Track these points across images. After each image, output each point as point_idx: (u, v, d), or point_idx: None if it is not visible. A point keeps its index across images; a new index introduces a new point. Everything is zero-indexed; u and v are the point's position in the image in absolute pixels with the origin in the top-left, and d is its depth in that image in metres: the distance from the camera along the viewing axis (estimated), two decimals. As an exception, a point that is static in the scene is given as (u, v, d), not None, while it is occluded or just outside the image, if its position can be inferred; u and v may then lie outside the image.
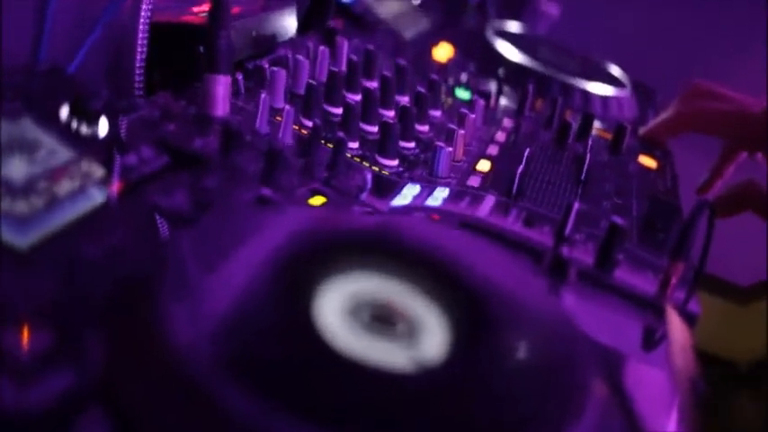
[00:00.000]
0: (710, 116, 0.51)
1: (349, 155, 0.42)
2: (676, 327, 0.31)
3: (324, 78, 0.50)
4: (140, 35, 0.38)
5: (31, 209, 0.26)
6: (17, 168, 0.28)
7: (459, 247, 0.31)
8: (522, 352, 0.25)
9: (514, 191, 0.41)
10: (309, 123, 0.43)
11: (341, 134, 0.39)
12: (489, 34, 0.73)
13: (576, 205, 0.36)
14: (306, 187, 0.36)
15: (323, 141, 0.41)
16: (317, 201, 0.36)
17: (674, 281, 0.32)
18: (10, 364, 0.20)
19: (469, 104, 0.55)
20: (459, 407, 0.21)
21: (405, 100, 0.52)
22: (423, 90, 0.51)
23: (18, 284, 0.24)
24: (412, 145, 0.47)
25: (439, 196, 0.40)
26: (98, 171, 0.30)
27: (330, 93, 0.48)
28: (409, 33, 0.73)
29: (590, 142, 0.52)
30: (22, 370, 0.20)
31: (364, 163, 0.42)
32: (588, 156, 0.47)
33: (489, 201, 0.40)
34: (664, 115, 0.56)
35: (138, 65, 0.38)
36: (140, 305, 0.23)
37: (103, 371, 0.21)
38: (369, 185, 0.39)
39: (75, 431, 0.19)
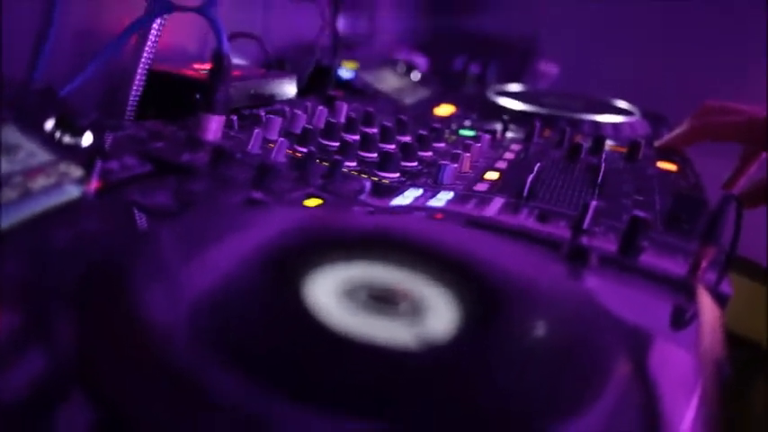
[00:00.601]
0: (722, 127, 0.55)
1: (346, 170, 0.40)
2: (708, 307, 0.30)
3: (321, 126, 0.50)
4: (138, 77, 0.39)
5: (4, 199, 0.26)
6: (-5, 166, 0.27)
7: (464, 239, 0.30)
8: (537, 332, 0.24)
9: (525, 193, 0.38)
10: (304, 150, 0.42)
11: (338, 157, 0.38)
12: (490, 94, 0.74)
13: (594, 203, 0.34)
14: (300, 191, 0.34)
15: (318, 161, 0.40)
16: (313, 202, 0.34)
17: (704, 264, 0.32)
18: None
19: (475, 138, 0.53)
20: (470, 387, 0.19)
21: (407, 139, 0.51)
22: (425, 132, 0.51)
23: None
24: (414, 164, 0.45)
25: (443, 198, 0.37)
26: (76, 172, 0.30)
27: (327, 133, 0.47)
28: (409, 100, 0.75)
29: (604, 156, 0.50)
30: None
31: (363, 175, 0.41)
32: (603, 165, 0.45)
33: (498, 202, 0.38)
34: (678, 130, 0.58)
35: (132, 98, 0.38)
36: (117, 289, 0.22)
37: (80, 354, 0.20)
38: (368, 189, 0.37)
39: (54, 416, 0.18)
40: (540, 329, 0.24)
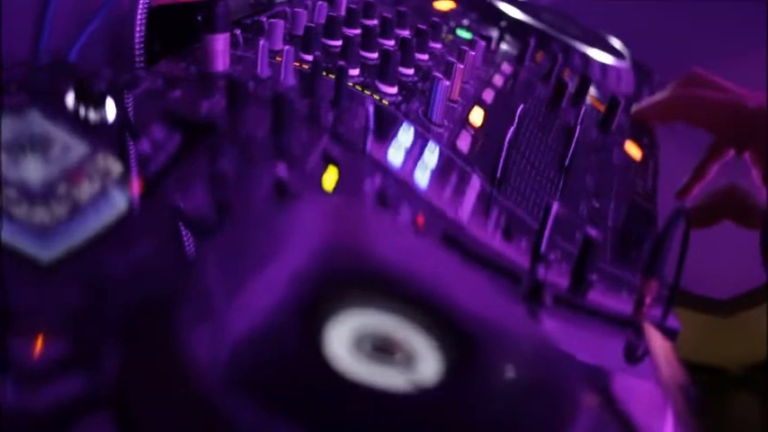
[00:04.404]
0: (704, 103, 0.51)
1: (350, 84, 0.43)
2: (657, 341, 0.31)
3: (322, 21, 0.49)
4: (139, 16, 0.36)
5: (52, 217, 0.26)
6: (32, 170, 0.27)
7: (444, 276, 0.32)
8: (509, 374, 0.26)
9: (498, 175, 0.41)
10: (309, 58, 0.43)
11: (341, 63, 0.39)
12: None
13: (555, 207, 0.35)
14: (316, 150, 0.36)
15: (324, 73, 0.41)
16: (331, 177, 0.36)
17: (648, 300, 0.32)
18: (24, 370, 0.21)
19: (470, 44, 0.54)
20: (452, 425, 0.23)
21: (405, 33, 0.52)
22: (423, 27, 0.52)
23: (38, 297, 0.24)
24: (411, 72, 0.47)
25: (429, 161, 0.41)
26: (116, 166, 0.30)
27: (329, 30, 0.47)
28: None
29: (582, 111, 0.52)
30: (36, 375, 0.21)
31: (365, 92, 0.43)
32: (578, 129, 0.47)
33: (473, 191, 0.41)
34: (658, 96, 0.55)
35: (137, 40, 0.36)
36: (159, 320, 0.24)
37: (118, 384, 0.22)
38: (371, 123, 0.39)
39: None
40: (508, 371, 0.26)
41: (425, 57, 0.49)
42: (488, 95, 0.50)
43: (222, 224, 0.31)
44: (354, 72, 0.44)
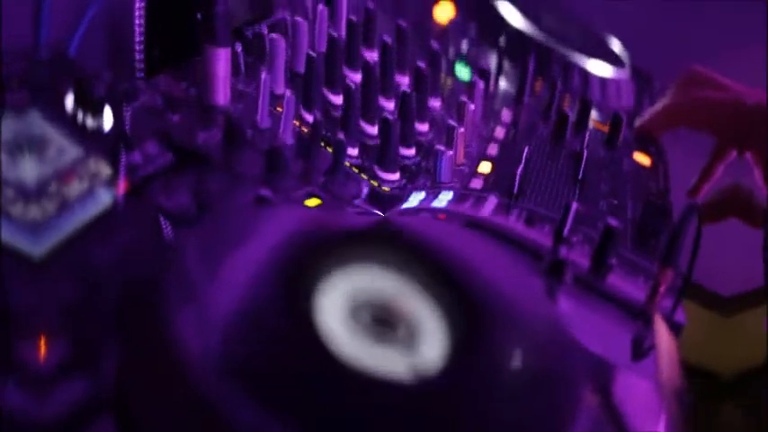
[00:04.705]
0: (703, 104, 0.52)
1: (348, 164, 0.43)
2: (664, 338, 0.32)
3: (323, 48, 0.50)
4: (137, 5, 0.37)
5: (44, 214, 0.27)
6: (28, 169, 0.28)
7: (460, 245, 0.33)
8: (517, 360, 0.27)
9: (515, 190, 0.43)
10: (310, 118, 0.44)
11: (341, 135, 0.40)
12: None
13: (575, 206, 0.38)
14: (303, 190, 0.38)
15: (322, 143, 0.42)
16: (313, 202, 0.38)
17: (662, 288, 0.33)
18: (28, 374, 0.22)
19: (469, 88, 0.55)
20: (454, 417, 0.23)
21: (405, 82, 0.53)
22: (422, 66, 0.52)
23: (34, 293, 0.25)
24: (412, 152, 0.48)
25: (444, 199, 0.42)
26: (105, 170, 0.31)
27: (330, 71, 0.48)
28: None
29: (587, 137, 0.54)
30: (40, 379, 0.22)
31: (363, 175, 0.43)
32: (585, 153, 0.49)
33: (492, 202, 0.43)
34: (658, 106, 0.57)
35: (137, 39, 0.37)
36: (148, 313, 0.24)
37: (116, 380, 0.22)
38: (364, 194, 0.41)
39: None
40: (516, 356, 0.26)
41: (425, 127, 0.50)
42: (492, 149, 0.51)
43: (203, 217, 0.32)
44: (353, 152, 0.44)
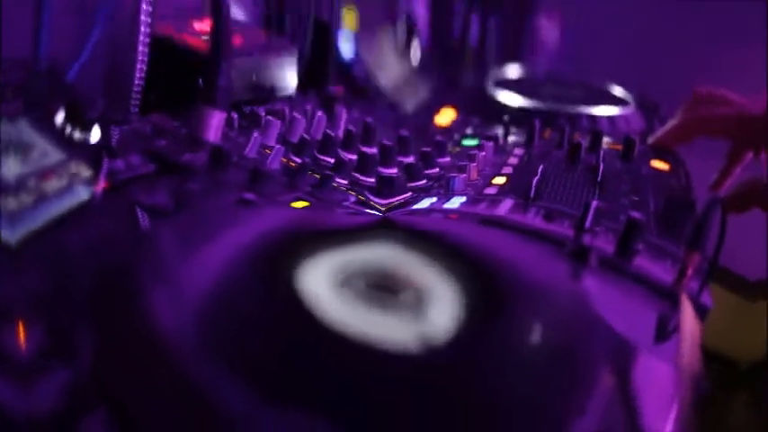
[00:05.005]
0: (713, 122, 0.55)
1: (336, 185, 0.42)
2: (689, 319, 0.31)
3: (319, 137, 0.50)
4: (140, 48, 0.41)
5: (19, 205, 0.28)
6: (10, 168, 0.30)
7: (472, 231, 0.32)
8: (535, 335, 0.25)
9: (532, 195, 0.42)
10: (299, 160, 0.44)
11: (329, 173, 0.40)
12: (490, 87, 0.77)
13: (595, 203, 0.37)
14: (289, 195, 0.37)
15: (310, 172, 0.42)
16: (300, 204, 0.37)
17: (690, 272, 0.33)
18: (8, 364, 0.21)
19: (479, 147, 0.54)
20: (463, 390, 0.21)
21: (409, 160, 0.50)
22: (428, 150, 0.50)
23: (8, 280, 0.25)
24: (423, 182, 0.46)
25: (456, 202, 0.40)
26: (85, 172, 0.32)
27: (324, 147, 0.48)
28: (410, 105, 0.77)
29: (601, 154, 0.53)
30: (22, 369, 0.21)
31: (351, 192, 0.42)
32: (602, 164, 0.49)
33: (508, 203, 0.41)
34: (669, 125, 0.59)
35: (136, 80, 0.40)
36: (123, 298, 0.24)
37: (95, 365, 0.21)
38: (352, 201, 0.39)
39: (76, 427, 0.19)
40: (536, 330, 0.25)
41: (435, 170, 0.48)
42: (507, 170, 0.50)
43: (181, 211, 0.32)
44: (343, 181, 0.42)
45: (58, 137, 0.33)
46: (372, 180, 0.44)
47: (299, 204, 0.37)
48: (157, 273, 0.25)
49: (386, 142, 0.47)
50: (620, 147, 0.57)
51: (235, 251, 0.27)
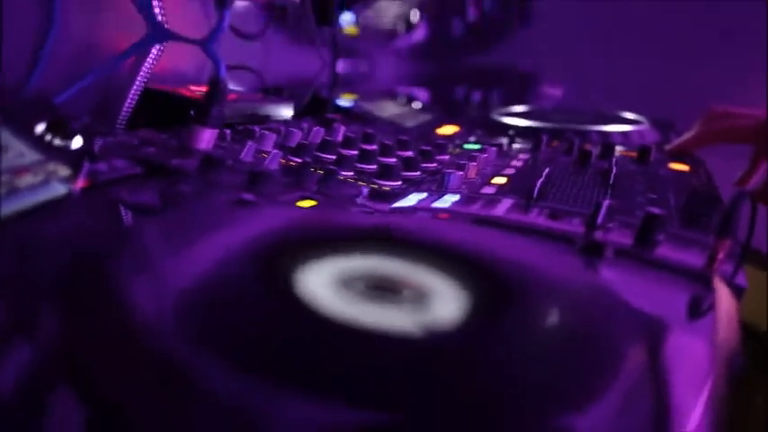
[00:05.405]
0: (733, 131, 0.58)
1: (342, 178, 0.40)
2: (724, 298, 0.30)
3: (317, 142, 0.49)
4: (133, 92, 0.41)
5: None
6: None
7: (471, 233, 0.30)
8: (548, 321, 0.23)
9: (535, 194, 0.38)
10: (299, 160, 0.42)
11: (333, 167, 0.38)
12: (495, 115, 0.75)
13: (607, 201, 0.35)
14: (292, 194, 0.34)
15: (313, 170, 0.40)
16: (307, 203, 0.34)
17: (720, 256, 0.32)
18: None
19: (481, 151, 0.52)
20: (478, 375, 0.19)
21: (408, 154, 0.50)
22: (428, 148, 0.50)
23: None
24: (417, 173, 0.44)
25: (448, 200, 0.37)
26: (63, 171, 0.30)
27: (324, 148, 0.47)
28: (411, 124, 0.75)
29: (614, 160, 0.51)
30: None
31: (360, 183, 0.40)
32: (615, 168, 0.46)
33: (507, 203, 0.37)
34: (687, 134, 0.60)
35: (125, 110, 0.39)
36: (101, 280, 0.22)
37: (66, 348, 0.20)
38: (365, 193, 0.37)
39: (42, 411, 0.18)
40: (551, 319, 0.24)
41: (433, 165, 0.48)
42: (509, 171, 0.47)
43: (168, 209, 0.30)
44: (348, 173, 0.42)
45: (37, 142, 0.32)
46: (374, 167, 0.44)
47: (305, 204, 0.34)
48: (137, 261, 0.24)
49: (386, 142, 0.49)
50: (634, 154, 0.55)
51: (221, 249, 0.25)
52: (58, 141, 0.32)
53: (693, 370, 0.24)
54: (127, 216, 0.29)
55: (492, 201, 0.37)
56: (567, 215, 0.36)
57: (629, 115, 0.76)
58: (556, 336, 0.22)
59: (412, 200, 0.37)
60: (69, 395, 0.18)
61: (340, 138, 0.52)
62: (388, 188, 0.40)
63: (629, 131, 0.67)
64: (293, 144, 0.47)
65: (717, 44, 0.92)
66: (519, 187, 0.42)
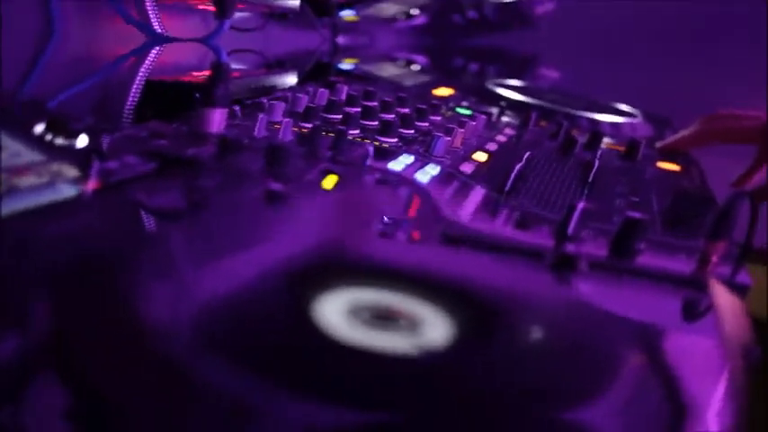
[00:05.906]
0: (738, 131, 0.56)
1: (350, 137, 0.42)
2: (724, 295, 0.30)
3: (323, 103, 0.51)
4: (135, 87, 0.39)
5: None
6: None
7: (452, 265, 0.29)
8: (532, 343, 0.24)
9: (507, 187, 0.36)
10: (309, 125, 0.43)
11: (342, 127, 0.39)
12: (490, 85, 0.73)
13: (582, 204, 0.31)
14: (314, 169, 0.33)
15: (324, 133, 0.40)
16: (330, 181, 0.32)
17: (714, 259, 0.31)
18: None
19: (471, 118, 0.54)
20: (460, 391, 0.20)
21: (405, 111, 0.52)
22: (423, 107, 0.52)
23: None
24: (411, 131, 0.47)
25: (429, 172, 0.38)
26: (70, 172, 0.28)
27: (329, 108, 0.49)
28: (409, 83, 0.74)
29: (599, 152, 0.49)
30: None
31: (365, 140, 0.43)
32: (597, 162, 0.44)
33: (478, 193, 0.36)
34: (685, 132, 0.57)
35: (128, 106, 0.37)
36: (106, 282, 0.22)
37: (60, 345, 0.19)
38: (371, 154, 0.38)
39: (29, 404, 0.18)
40: (534, 340, 0.24)
41: (425, 124, 0.50)
42: (492, 146, 0.48)
43: (197, 213, 0.29)
44: (355, 132, 0.45)
45: (37, 142, 0.29)
46: (376, 123, 0.47)
47: (329, 181, 0.32)
48: (157, 268, 0.24)
49: (386, 98, 0.52)
50: (621, 148, 0.53)
51: (244, 263, 0.25)
52: (60, 141, 0.30)
53: (705, 367, 0.24)
54: (149, 221, 0.27)
55: (465, 186, 0.37)
56: (535, 222, 0.33)
57: (623, 107, 0.72)
58: (543, 355, 0.23)
59: (402, 162, 0.39)
60: (58, 391, 0.17)
61: (344, 97, 0.54)
62: (387, 145, 0.43)
63: (621, 123, 0.63)
64: (301, 109, 0.47)
65: (717, 44, 0.90)
66: (496, 169, 0.41)
